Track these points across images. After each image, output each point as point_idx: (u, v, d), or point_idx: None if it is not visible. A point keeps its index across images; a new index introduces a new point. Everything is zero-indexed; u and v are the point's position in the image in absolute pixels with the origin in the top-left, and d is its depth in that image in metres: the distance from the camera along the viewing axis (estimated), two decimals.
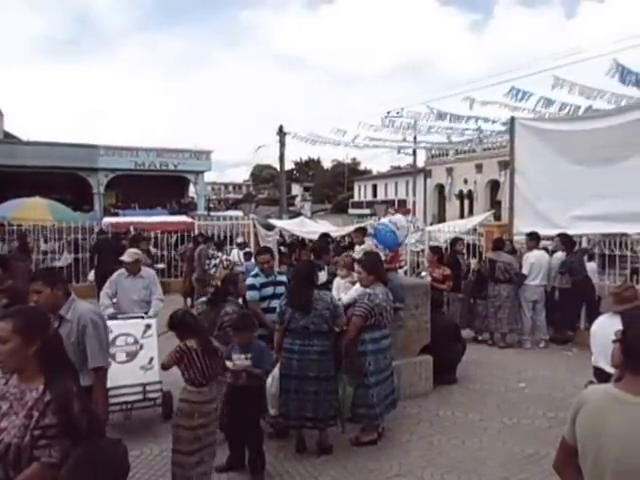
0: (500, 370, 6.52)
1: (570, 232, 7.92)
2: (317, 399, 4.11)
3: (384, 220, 5.99)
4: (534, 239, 7.92)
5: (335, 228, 13.91)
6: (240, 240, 12.06)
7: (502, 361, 6.95)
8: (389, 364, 4.57)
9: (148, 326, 5.02)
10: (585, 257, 7.98)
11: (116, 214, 20.99)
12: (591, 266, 7.91)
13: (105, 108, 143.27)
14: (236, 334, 3.94)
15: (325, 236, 8.90)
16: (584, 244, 8.47)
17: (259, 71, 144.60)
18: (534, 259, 7.67)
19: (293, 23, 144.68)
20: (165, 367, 3.68)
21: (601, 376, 3.70)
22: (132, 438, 4.51)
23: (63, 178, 23.29)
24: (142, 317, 5.18)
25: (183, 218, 15.57)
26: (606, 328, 3.45)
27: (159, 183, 25.88)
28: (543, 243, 8.19)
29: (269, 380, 4.45)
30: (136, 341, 4.89)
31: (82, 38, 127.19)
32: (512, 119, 9.39)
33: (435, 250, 7.87)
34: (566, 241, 7.74)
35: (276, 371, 4.35)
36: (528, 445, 4.27)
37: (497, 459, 4.17)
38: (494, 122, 12.34)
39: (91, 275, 12.02)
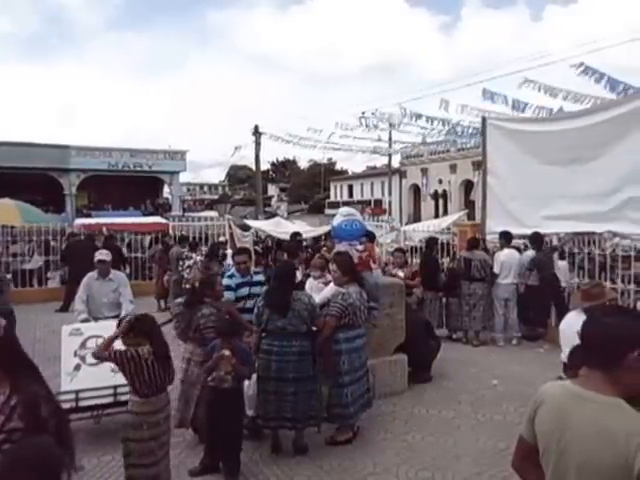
0: (474, 368, 6.62)
1: (540, 231, 8.10)
2: (296, 400, 4.10)
3: (337, 218, 6.01)
4: (505, 238, 8.07)
5: (311, 228, 13.92)
6: (223, 239, 11.98)
7: (476, 359, 7.06)
8: (364, 363, 4.59)
9: None
10: (556, 255, 8.16)
11: (88, 215, 20.55)
12: (562, 264, 8.10)
13: (77, 108, 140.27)
14: (224, 340, 3.86)
15: (296, 235, 8.88)
16: (555, 243, 8.66)
17: (233, 71, 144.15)
18: (504, 257, 7.81)
19: (264, 23, 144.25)
20: (97, 356, 3.54)
21: (571, 371, 3.79)
22: (104, 443, 4.43)
23: (33, 179, 22.67)
24: (116, 317, 5.09)
25: (157, 219, 15.37)
26: (573, 324, 3.53)
27: (133, 184, 25.46)
28: (516, 242, 8.34)
29: (247, 382, 4.42)
30: None
31: (51, 37, 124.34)
32: (484, 120, 9.56)
33: (401, 251, 7.95)
34: (536, 239, 7.90)
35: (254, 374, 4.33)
36: (500, 440, 4.34)
37: (470, 455, 4.23)
38: (468, 127, 12.59)
39: (54, 276, 11.77)
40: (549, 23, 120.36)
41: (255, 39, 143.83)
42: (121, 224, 13.60)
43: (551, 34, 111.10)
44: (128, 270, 11.81)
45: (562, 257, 8.28)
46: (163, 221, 14.48)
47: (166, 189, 28.39)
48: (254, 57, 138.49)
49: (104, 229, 12.68)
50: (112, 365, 4.70)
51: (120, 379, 4.64)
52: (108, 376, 4.63)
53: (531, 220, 8.32)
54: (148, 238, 13.22)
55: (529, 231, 8.12)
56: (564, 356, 4.13)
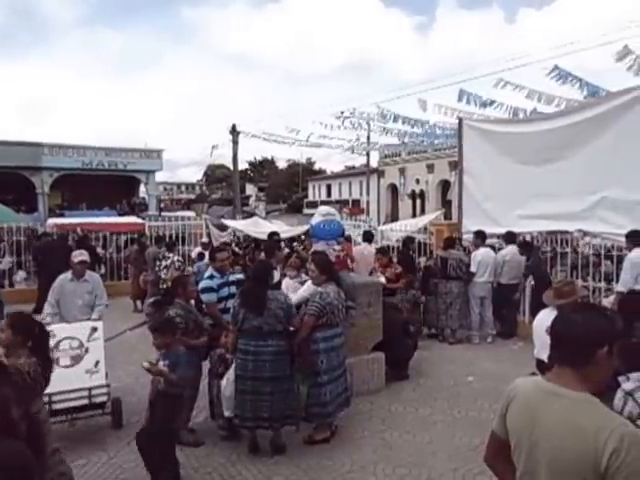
0: (450, 365, 6.70)
1: (515, 230, 8.26)
2: (273, 399, 4.09)
3: (316, 218, 6.04)
4: (480, 237, 8.20)
5: (289, 228, 13.89)
6: (205, 240, 11.87)
7: (452, 356, 7.15)
8: (342, 362, 4.61)
9: (94, 329, 4.86)
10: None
11: (62, 215, 20.10)
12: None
13: (49, 105, 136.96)
14: (153, 336, 3.84)
15: (273, 235, 8.86)
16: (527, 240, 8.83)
17: (209, 69, 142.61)
18: (481, 257, 7.93)
19: (240, 21, 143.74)
20: None
21: (542, 367, 3.88)
22: (79, 446, 4.37)
23: (4, 178, 22.03)
24: (89, 319, 5.01)
25: (133, 219, 15.12)
26: (545, 322, 3.61)
27: (108, 183, 25.00)
28: (490, 241, 8.48)
29: (223, 382, 4.40)
30: (81, 344, 4.73)
31: (21, 32, 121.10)
32: (460, 121, 9.69)
33: (383, 252, 7.91)
34: (509, 237, 8.05)
35: (231, 373, 4.31)
36: (475, 436, 4.41)
37: (446, 451, 4.29)
38: (444, 128, 12.73)
39: (20, 276, 11.51)
40: (523, 25, 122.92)
41: (231, 37, 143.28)
42: (96, 224, 13.34)
43: (525, 36, 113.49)
44: (103, 270, 11.63)
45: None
46: (139, 221, 14.25)
47: (142, 188, 27.96)
48: (230, 55, 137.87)
49: (78, 229, 12.44)
50: (87, 366, 4.65)
51: (95, 381, 4.60)
52: (83, 378, 4.58)
53: (506, 219, 8.46)
54: (124, 238, 13.01)
55: (504, 230, 8.28)
56: (537, 352, 4.23)
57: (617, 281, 6.67)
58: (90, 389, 4.50)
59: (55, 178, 24.53)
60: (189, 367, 3.99)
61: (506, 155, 8.61)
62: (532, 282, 7.97)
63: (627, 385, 2.84)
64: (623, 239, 6.66)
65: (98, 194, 23.98)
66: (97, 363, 4.68)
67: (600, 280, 7.59)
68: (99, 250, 12.07)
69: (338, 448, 4.36)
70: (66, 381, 4.37)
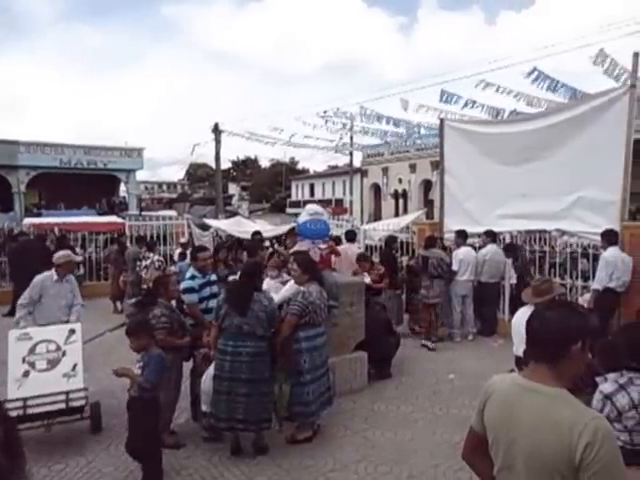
0: (432, 363, 6.77)
1: (495, 229, 8.37)
2: (248, 402, 4.06)
3: (303, 216, 6.05)
4: (462, 236, 8.29)
5: (273, 227, 13.85)
6: (184, 240, 11.75)
7: (433, 354, 7.23)
8: (325, 361, 4.61)
9: (72, 331, 4.76)
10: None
11: (39, 214, 19.69)
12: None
13: (26, 102, 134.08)
14: (129, 340, 3.77)
15: (257, 234, 8.83)
16: (507, 241, 8.95)
17: (191, 68, 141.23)
18: (462, 255, 8.03)
19: (222, 19, 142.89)
20: None
21: (521, 364, 3.93)
22: (57, 450, 4.30)
23: None
24: (66, 321, 4.92)
25: (113, 218, 14.89)
26: (524, 319, 3.66)
27: (87, 182, 24.52)
28: (471, 240, 8.58)
29: (204, 377, 4.37)
30: (58, 348, 4.62)
31: None
32: (441, 121, 9.77)
33: (364, 258, 7.69)
34: (491, 235, 8.17)
35: (211, 368, 4.28)
36: (456, 433, 4.46)
37: (428, 448, 4.33)
38: (426, 127, 12.83)
39: None
40: (503, 27, 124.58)
41: (213, 35, 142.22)
42: (74, 223, 13.12)
43: (506, 38, 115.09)
44: (82, 271, 11.44)
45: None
46: (119, 220, 14.05)
47: (122, 187, 27.52)
48: (213, 53, 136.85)
49: (55, 229, 12.21)
50: (65, 370, 4.55)
51: (73, 385, 4.50)
52: (60, 382, 4.48)
53: (486, 219, 8.57)
54: (103, 238, 12.82)
55: (484, 229, 8.38)
56: (516, 350, 4.29)
57: (593, 279, 6.82)
58: (67, 393, 4.40)
59: (32, 177, 23.99)
60: (167, 369, 3.93)
61: (486, 155, 8.72)
62: (511, 281, 8.10)
63: (605, 387, 2.90)
64: (599, 238, 6.81)
65: (77, 193, 23.53)
66: (75, 366, 4.58)
67: (577, 278, 7.74)
68: (78, 250, 11.86)
69: (320, 447, 4.36)
70: (42, 385, 4.30)
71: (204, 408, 4.24)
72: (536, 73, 9.39)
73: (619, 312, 6.54)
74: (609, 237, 6.59)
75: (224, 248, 8.04)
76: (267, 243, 10.95)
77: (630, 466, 2.65)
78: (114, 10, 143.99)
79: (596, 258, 6.89)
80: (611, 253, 6.49)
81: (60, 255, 5.39)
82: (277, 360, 4.30)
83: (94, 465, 4.12)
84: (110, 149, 26.07)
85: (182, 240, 11.83)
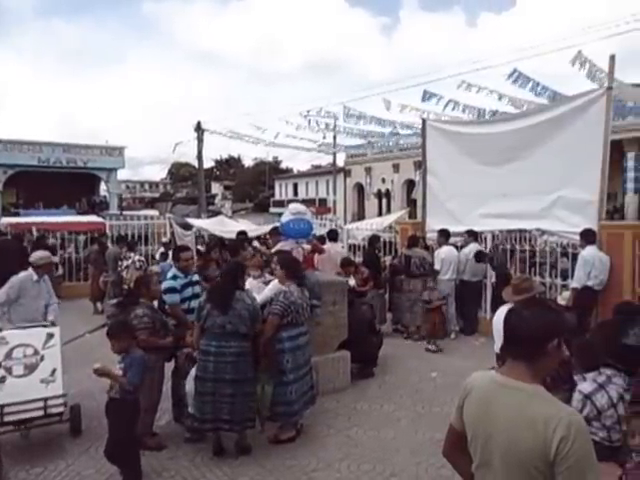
0: (414, 362, 6.81)
1: (476, 229, 8.47)
2: (234, 401, 4.04)
3: (286, 215, 6.04)
4: (444, 235, 8.36)
5: (256, 227, 13.79)
6: (165, 240, 11.63)
7: (416, 353, 7.27)
8: (307, 361, 4.61)
9: (50, 335, 4.63)
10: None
11: (16, 214, 19.31)
12: None
13: (3, 99, 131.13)
14: (110, 340, 3.72)
15: (242, 234, 8.79)
16: (489, 240, 9.06)
17: (173, 66, 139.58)
18: (444, 254, 8.10)
19: (204, 18, 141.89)
20: None
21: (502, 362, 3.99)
22: (35, 454, 4.23)
23: None
24: (43, 326, 4.80)
25: (93, 218, 14.65)
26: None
27: (66, 181, 24.12)
28: (454, 240, 8.65)
29: (188, 379, 4.33)
30: (36, 352, 4.49)
31: None
32: (424, 121, 9.84)
33: (348, 262, 7.64)
34: (473, 234, 8.25)
35: (194, 370, 4.24)
36: (438, 431, 4.48)
37: (410, 447, 4.35)
38: (409, 127, 12.91)
39: None
40: (484, 29, 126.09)
41: (196, 34, 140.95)
42: (53, 223, 12.88)
43: (486, 39, 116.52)
44: (61, 271, 11.25)
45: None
46: (99, 220, 13.84)
47: (103, 186, 27.14)
48: (195, 52, 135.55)
49: (34, 228, 11.98)
50: (43, 375, 4.45)
51: (51, 391, 4.40)
52: (38, 388, 4.36)
53: (468, 218, 8.65)
54: (83, 238, 12.62)
55: (465, 229, 8.47)
56: (497, 348, 4.35)
57: (572, 278, 6.94)
58: (46, 399, 4.28)
59: (9, 175, 23.52)
60: (148, 370, 3.88)
61: (468, 155, 8.80)
62: (492, 279, 8.19)
63: (585, 387, 2.95)
64: (578, 237, 6.92)
65: (56, 192, 23.12)
66: (54, 371, 4.46)
67: (556, 277, 7.87)
68: (57, 251, 11.66)
69: (303, 447, 4.36)
70: (20, 391, 4.19)
71: (191, 410, 4.20)
72: (516, 74, 9.54)
73: (597, 310, 6.67)
74: (587, 236, 6.71)
75: (216, 247, 8.00)
76: (255, 243, 10.89)
77: (608, 462, 2.71)
78: (95, 7, 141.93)
79: (575, 257, 7.01)
80: (589, 252, 6.61)
81: (39, 256, 5.30)
82: (260, 360, 4.28)
83: (73, 468, 4.05)
84: (90, 147, 25.68)
85: (164, 239, 11.71)
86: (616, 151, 11.45)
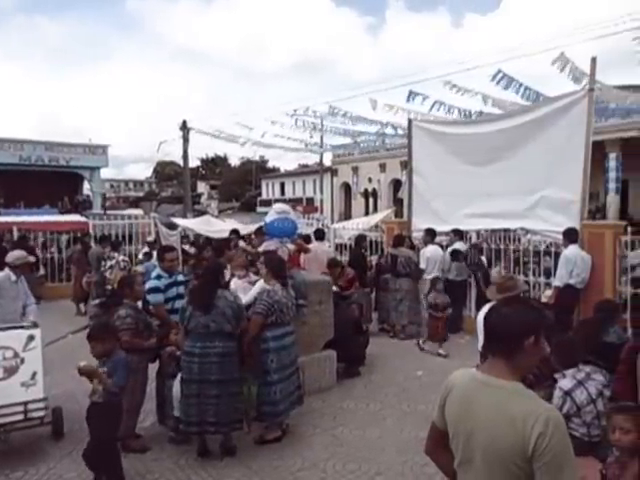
0: (400, 361, 6.84)
1: (461, 228, 8.54)
2: (219, 403, 4.01)
3: (270, 215, 6.04)
4: (430, 235, 8.41)
5: (242, 227, 13.72)
6: (150, 239, 11.50)
7: (402, 352, 7.30)
8: (293, 361, 4.60)
9: (31, 337, 4.52)
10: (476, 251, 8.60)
11: None
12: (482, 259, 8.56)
13: None
14: (91, 345, 3.62)
15: (234, 233, 8.75)
16: (474, 239, 9.14)
17: (158, 64, 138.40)
18: (430, 254, 8.14)
19: (189, 15, 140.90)
20: None
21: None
22: (16, 457, 4.16)
23: None
24: (22, 327, 4.71)
25: (76, 218, 14.42)
26: None
27: (48, 180, 23.73)
28: (439, 239, 8.71)
29: (175, 381, 4.29)
30: (16, 355, 4.38)
31: None
32: (409, 121, 9.88)
33: (335, 263, 7.54)
34: (458, 233, 8.32)
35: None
36: (423, 429, 4.44)
37: (396, 445, 4.37)
38: (396, 128, 12.95)
39: None
40: (470, 29, 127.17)
41: (181, 31, 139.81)
42: (35, 223, 12.66)
43: (472, 40, 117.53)
44: (43, 272, 11.07)
45: (481, 252, 8.75)
46: (82, 219, 13.63)
47: (86, 185, 26.78)
48: (180, 50, 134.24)
49: (14, 228, 11.77)
50: (23, 379, 4.36)
51: (32, 394, 4.31)
52: (18, 392, 4.27)
53: (453, 218, 8.72)
54: (65, 238, 12.43)
55: (451, 228, 8.53)
56: (480, 345, 4.38)
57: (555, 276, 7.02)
58: (26, 403, 4.20)
59: None
60: (131, 371, 3.83)
61: (453, 155, 8.86)
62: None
63: (565, 383, 3.00)
64: (561, 236, 7.01)
65: (37, 191, 22.72)
66: (34, 375, 4.36)
67: (540, 275, 7.97)
68: (38, 251, 11.48)
69: (289, 447, 4.35)
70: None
71: (176, 413, 4.17)
72: (501, 75, 9.63)
73: (579, 308, 6.76)
74: (570, 235, 6.80)
75: (208, 247, 7.94)
76: (241, 242, 10.83)
77: (587, 456, 2.76)
78: (78, 3, 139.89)
79: (558, 256, 7.10)
80: (571, 251, 6.71)
81: (16, 256, 5.21)
82: (245, 361, 4.26)
83: (55, 472, 3.99)
84: (73, 146, 25.30)
85: (149, 239, 11.58)
86: (598, 151, 11.64)
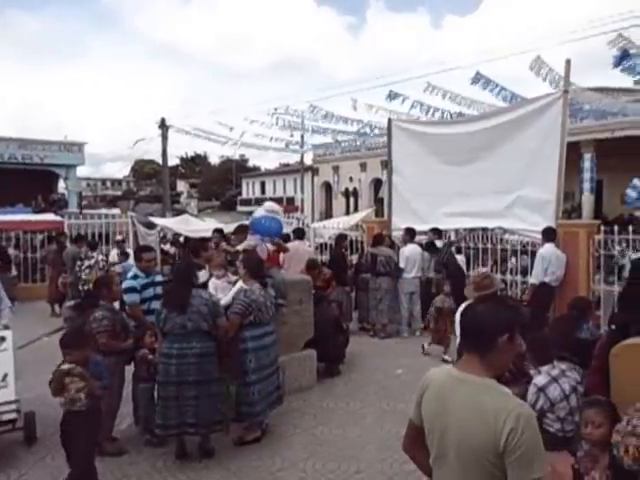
0: (380, 359, 6.87)
1: (440, 227, 8.62)
2: (198, 404, 3.95)
3: (259, 211, 6.01)
4: (409, 234, 8.47)
5: (222, 226, 13.59)
6: (119, 238, 11.28)
7: (382, 351, 7.34)
8: (273, 361, 4.57)
9: (2, 339, 4.44)
10: (453, 249, 8.70)
11: None
12: (460, 258, 8.66)
13: None
14: (66, 353, 3.44)
15: (218, 232, 8.67)
16: (453, 238, 9.24)
17: (135, 61, 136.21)
18: (409, 253, 8.20)
19: (168, 12, 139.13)
20: None
21: None
22: None
23: None
24: None
25: (50, 217, 14.10)
26: None
27: (22, 178, 23.12)
28: (419, 238, 8.77)
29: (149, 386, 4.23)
30: None
31: None
32: (389, 121, 9.93)
33: (314, 265, 7.36)
34: (437, 233, 8.41)
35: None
36: (403, 427, 4.44)
37: (375, 443, 4.38)
38: (375, 127, 13.03)
39: None
40: (449, 31, 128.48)
41: (159, 28, 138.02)
42: (8, 222, 12.33)
43: (451, 41, 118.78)
44: (15, 272, 10.80)
45: (459, 251, 8.86)
46: (57, 219, 13.33)
47: (61, 184, 26.21)
48: (158, 47, 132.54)
49: None
50: None
51: (3, 397, 4.20)
52: None
53: (433, 217, 8.80)
54: (40, 237, 12.14)
55: (430, 227, 8.61)
56: (457, 343, 4.43)
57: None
58: None
59: None
60: (109, 375, 3.76)
61: (433, 155, 8.94)
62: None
63: (539, 380, 3.05)
64: (538, 235, 7.14)
65: (10, 190, 22.11)
66: (5, 377, 4.27)
67: (517, 273, 8.10)
68: (12, 251, 11.19)
69: (269, 447, 4.33)
70: None
71: (141, 414, 4.11)
72: (479, 77, 9.77)
73: (554, 305, 6.90)
74: (547, 234, 6.93)
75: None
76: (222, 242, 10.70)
77: (561, 451, 2.80)
78: None
79: (534, 255, 7.22)
80: (546, 249, 6.84)
81: None
82: (223, 361, 4.22)
83: (27, 477, 3.90)
84: (48, 143, 24.71)
85: (118, 237, 11.32)
86: (573, 152, 11.88)
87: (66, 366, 3.38)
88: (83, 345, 3.51)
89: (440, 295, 7.25)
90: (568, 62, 7.26)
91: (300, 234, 8.76)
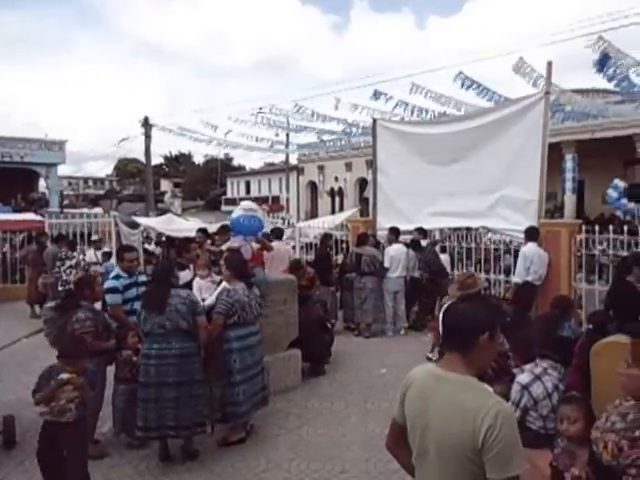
0: (365, 359, 6.88)
1: (425, 227, 8.67)
2: (178, 406, 3.90)
3: (237, 212, 5.97)
4: (394, 233, 8.50)
5: (206, 226, 13.48)
6: (96, 237, 11.08)
7: (367, 350, 7.35)
8: (258, 361, 4.54)
9: None
10: (438, 249, 8.77)
11: None
12: (444, 257, 8.73)
13: None
14: (66, 363, 3.34)
15: (202, 231, 8.59)
16: (437, 237, 9.31)
17: (118, 58, 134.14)
18: (394, 252, 8.22)
19: (151, 9, 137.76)
20: None
21: None
22: None
23: None
24: None
25: (30, 216, 13.84)
26: None
27: (1, 176, 22.73)
28: (404, 237, 8.81)
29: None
30: None
31: None
32: (374, 121, 9.95)
33: (298, 266, 7.26)
34: (422, 233, 8.45)
35: None
36: (387, 426, 4.45)
37: (360, 443, 4.38)
38: (360, 127, 13.06)
39: None
40: (432, 31, 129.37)
41: (142, 25, 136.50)
42: None
43: (435, 42, 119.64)
44: None
45: (443, 251, 8.93)
46: (38, 218, 13.09)
47: (42, 183, 25.80)
48: (141, 45, 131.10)
49: None
50: None
51: None
52: None
53: (417, 216, 8.84)
54: (20, 237, 11.91)
55: (415, 227, 8.65)
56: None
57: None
58: None
59: None
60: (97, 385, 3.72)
61: (417, 155, 8.98)
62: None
63: (522, 378, 3.08)
64: (521, 235, 7.22)
65: None
66: None
67: (500, 273, 8.18)
68: None
69: (253, 448, 4.30)
70: None
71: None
72: (462, 77, 9.84)
73: (536, 304, 6.98)
74: (530, 233, 7.01)
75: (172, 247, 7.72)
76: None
77: (543, 448, 2.83)
78: None
79: (517, 254, 7.30)
80: (529, 248, 6.92)
81: None
82: (207, 362, 4.18)
83: None
84: (28, 141, 24.33)
85: (94, 237, 11.12)
86: (555, 153, 12.08)
87: (66, 375, 3.29)
88: (82, 354, 3.46)
89: (446, 297, 7.24)
90: (550, 64, 7.35)
91: (279, 234, 8.72)
